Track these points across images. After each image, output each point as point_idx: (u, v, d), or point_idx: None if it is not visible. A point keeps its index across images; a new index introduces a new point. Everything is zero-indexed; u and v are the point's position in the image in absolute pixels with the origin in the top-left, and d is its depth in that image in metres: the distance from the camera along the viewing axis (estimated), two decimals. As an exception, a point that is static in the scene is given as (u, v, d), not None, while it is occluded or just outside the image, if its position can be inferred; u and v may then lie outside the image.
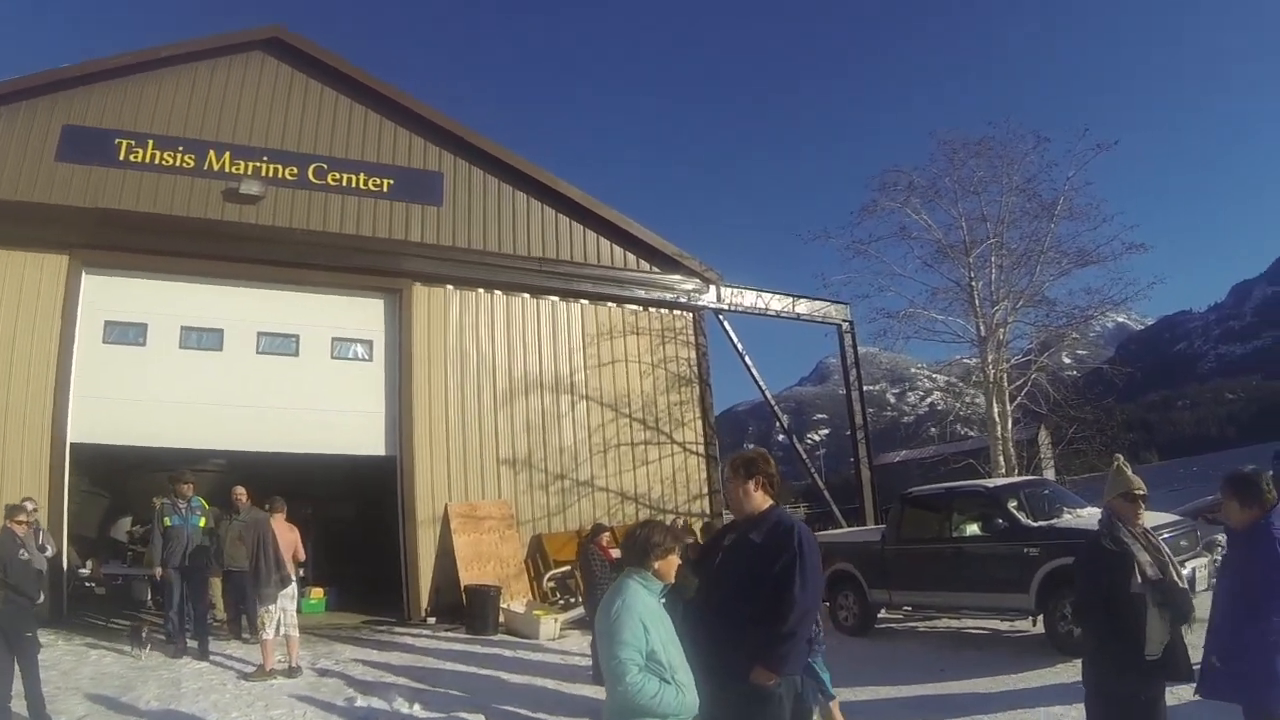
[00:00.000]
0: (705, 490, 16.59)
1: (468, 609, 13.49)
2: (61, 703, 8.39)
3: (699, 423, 16.72)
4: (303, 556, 11.54)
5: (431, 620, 14.05)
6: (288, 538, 10.89)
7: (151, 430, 14.00)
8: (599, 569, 10.68)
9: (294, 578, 10.70)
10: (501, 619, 13.40)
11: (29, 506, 10.21)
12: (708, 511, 16.46)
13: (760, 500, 4.46)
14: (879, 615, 12.85)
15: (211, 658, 10.69)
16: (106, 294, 14.35)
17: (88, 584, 14.54)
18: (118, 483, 16.72)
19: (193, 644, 10.96)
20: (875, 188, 17.47)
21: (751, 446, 5.51)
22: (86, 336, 14.03)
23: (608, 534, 11.81)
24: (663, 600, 3.93)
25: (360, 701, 8.96)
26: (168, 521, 11.08)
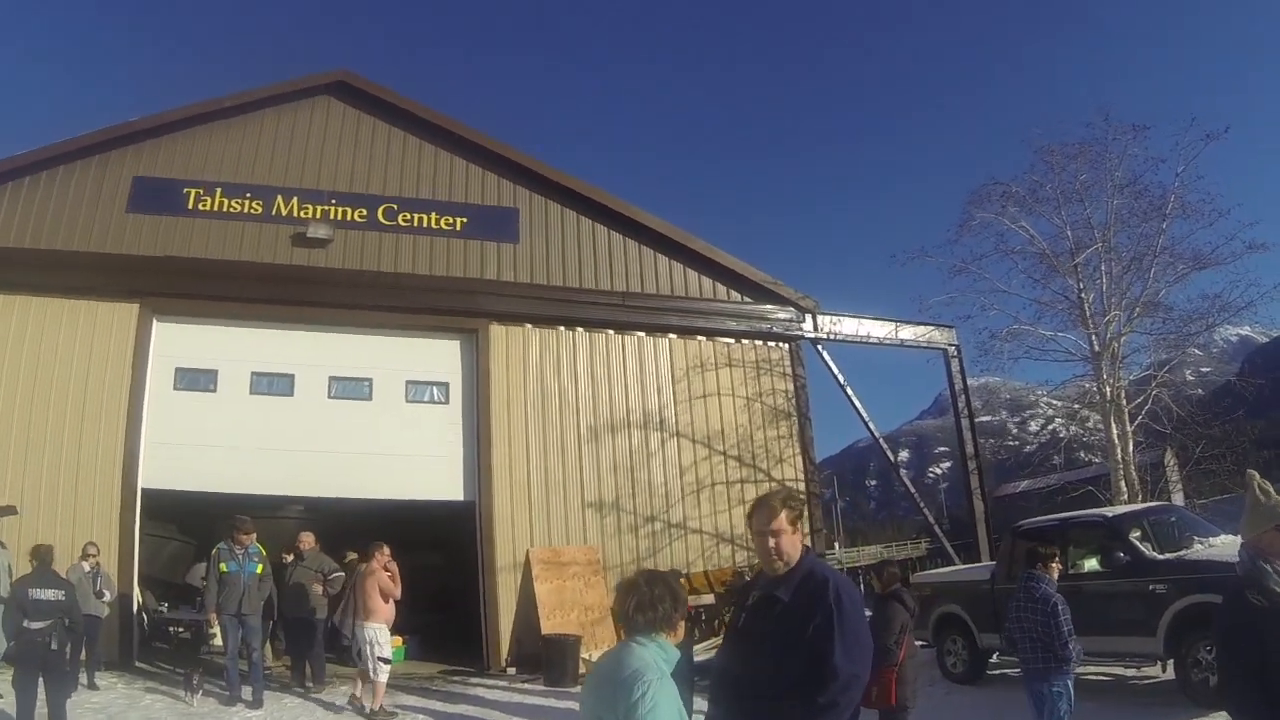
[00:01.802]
0: (807, 529, 15.17)
1: (545, 659, 12.64)
2: None
3: (799, 459, 15.42)
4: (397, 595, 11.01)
5: (511, 670, 13.25)
6: (385, 581, 10.71)
7: (223, 476, 13.70)
8: None
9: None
10: (582, 669, 12.35)
11: (92, 553, 11.37)
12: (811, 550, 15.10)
13: (799, 548, 3.61)
14: (991, 661, 11.50)
15: (266, 707, 10.30)
16: (177, 341, 14.25)
17: (172, 629, 14.23)
18: (201, 529, 16.06)
19: (247, 692, 10.51)
20: (971, 201, 16.20)
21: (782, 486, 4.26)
22: (157, 383, 13.91)
23: (682, 580, 11.06)
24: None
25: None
26: (224, 568, 10.60)
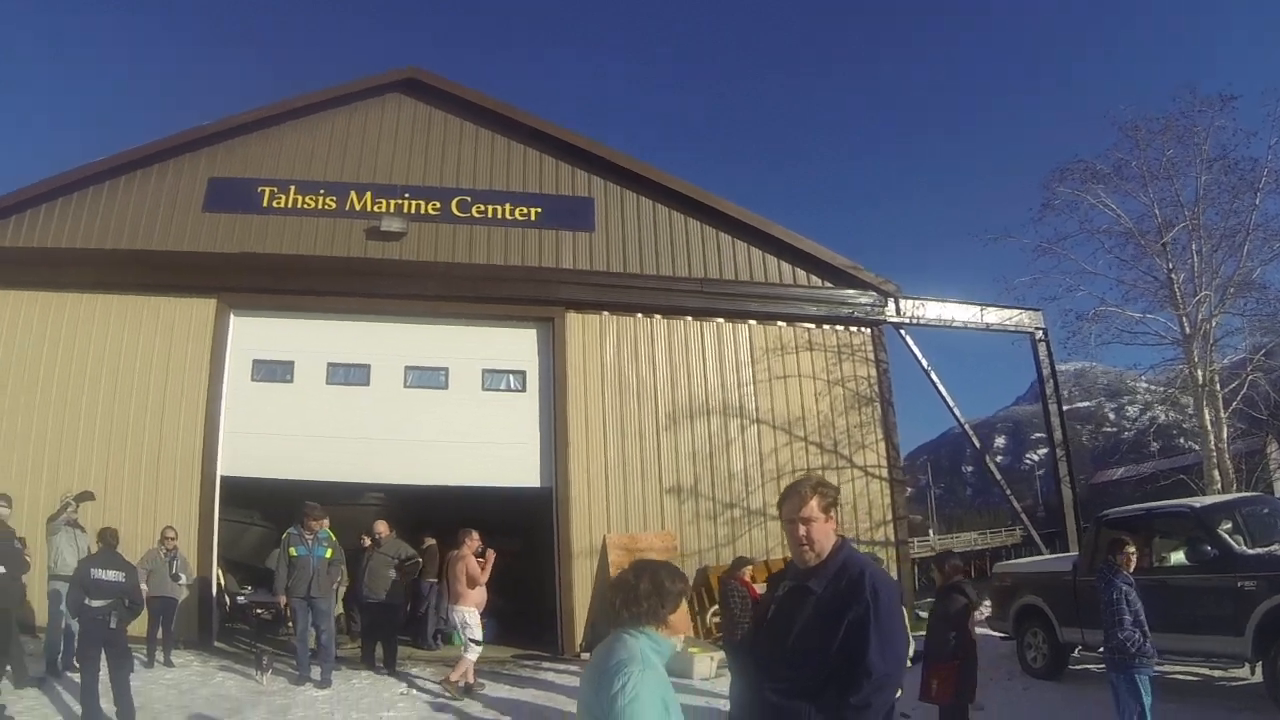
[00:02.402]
0: (889, 516, 14.79)
1: None
2: (163, 716, 8.74)
3: (881, 445, 14.96)
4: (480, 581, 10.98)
5: (585, 656, 12.94)
6: (473, 567, 10.79)
7: (300, 464, 13.86)
8: (738, 607, 10.19)
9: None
10: None
11: (170, 537, 12.03)
12: (892, 539, 14.70)
13: (832, 537, 3.45)
14: (1072, 656, 10.97)
15: (334, 687, 10.42)
16: (254, 334, 14.55)
17: (258, 612, 14.33)
18: (283, 515, 16.35)
19: (317, 672, 10.69)
20: (1054, 180, 15.66)
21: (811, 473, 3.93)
22: (235, 375, 14.26)
23: (750, 568, 11.14)
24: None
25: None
26: (294, 551, 10.81)
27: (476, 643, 10.60)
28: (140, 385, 14.07)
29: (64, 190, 15.02)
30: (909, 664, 6.85)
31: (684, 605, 3.14)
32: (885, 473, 14.94)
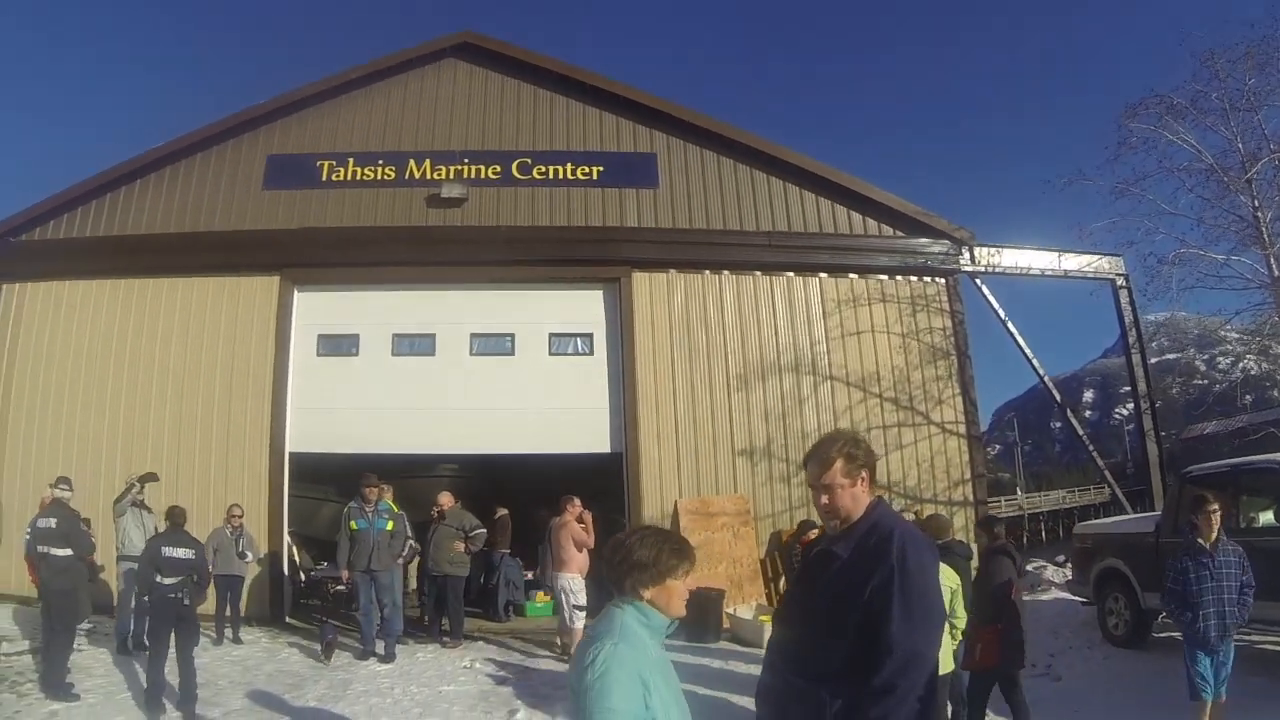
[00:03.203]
0: (968, 475, 14.06)
1: (688, 613, 11.75)
2: (225, 694, 8.80)
3: (959, 399, 14.21)
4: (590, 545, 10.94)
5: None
6: (578, 532, 10.85)
7: (369, 437, 13.83)
8: None
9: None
10: (726, 624, 11.91)
11: (236, 515, 12.19)
12: (970, 499, 13.99)
13: (863, 501, 3.05)
14: (1156, 623, 10.17)
15: (398, 661, 10.41)
16: (318, 309, 14.51)
17: (336, 587, 14.28)
18: (356, 490, 16.38)
19: (381, 646, 10.68)
20: (1128, 116, 14.83)
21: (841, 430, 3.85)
22: (301, 350, 14.27)
23: (815, 531, 10.41)
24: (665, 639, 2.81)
25: (521, 714, 8.32)
26: (354, 525, 10.74)
27: (580, 609, 10.54)
28: (207, 365, 14.14)
29: (128, 178, 15.26)
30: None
31: (678, 580, 2.78)
32: (963, 429, 14.24)
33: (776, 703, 3.06)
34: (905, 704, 2.73)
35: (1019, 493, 67.32)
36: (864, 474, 3.06)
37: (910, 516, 10.97)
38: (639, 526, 2.99)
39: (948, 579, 5.95)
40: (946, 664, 5.80)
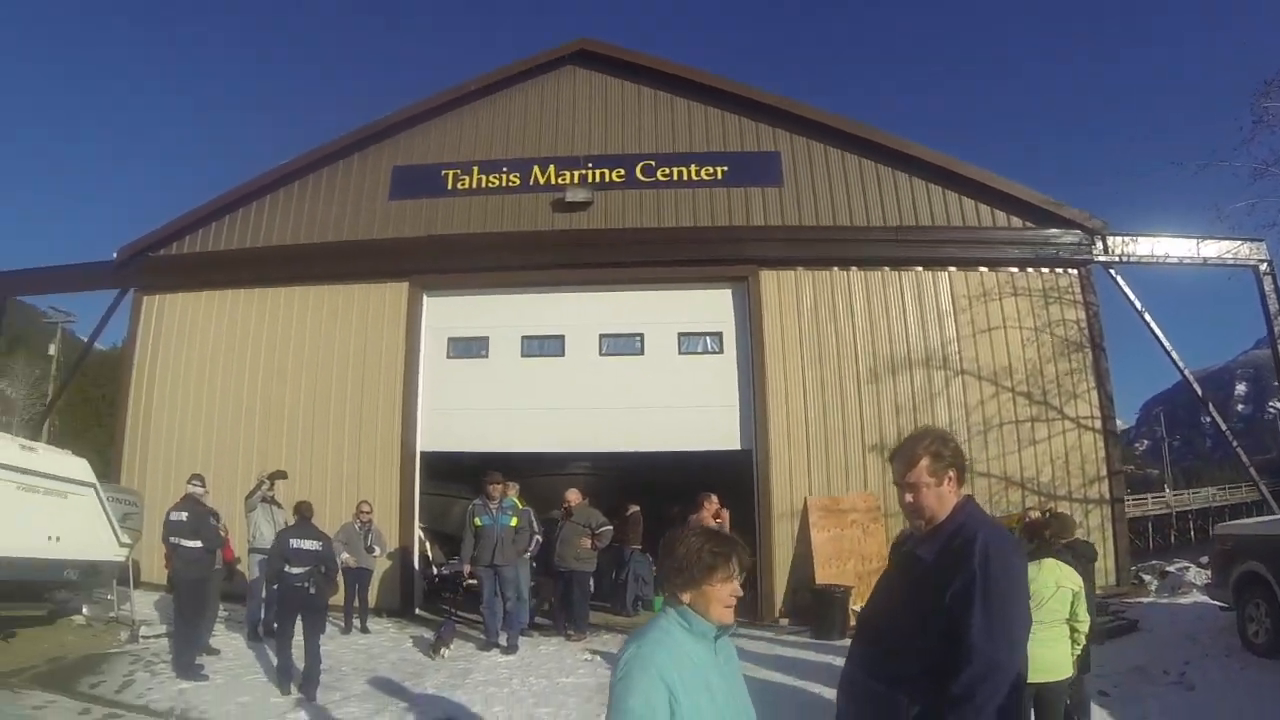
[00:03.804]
0: (1103, 471, 13.54)
1: (814, 610, 11.92)
2: (347, 680, 9.11)
3: (1094, 393, 13.69)
4: None
5: (784, 621, 12.67)
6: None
7: (499, 437, 14.08)
8: None
9: None
10: (852, 621, 11.53)
11: (365, 511, 12.53)
12: (1106, 496, 13.50)
13: (949, 502, 2.95)
14: None
15: (520, 653, 10.46)
16: (448, 313, 14.84)
17: (469, 581, 14.10)
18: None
19: (504, 638, 10.73)
20: (1262, 94, 14.09)
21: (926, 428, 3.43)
22: (431, 354, 14.65)
23: None
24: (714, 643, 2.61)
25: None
26: (478, 522, 10.83)
27: None
28: (340, 369, 14.51)
29: (258, 194, 15.87)
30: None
31: (722, 584, 2.58)
32: (1099, 423, 13.73)
33: (856, 700, 2.98)
34: (984, 712, 2.62)
35: (1166, 490, 64.19)
36: (951, 473, 2.97)
37: (1036, 514, 10.49)
38: (689, 528, 2.82)
39: (1069, 580, 5.72)
40: (1065, 669, 5.59)
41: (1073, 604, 5.64)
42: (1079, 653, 5.74)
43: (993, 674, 2.63)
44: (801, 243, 14.03)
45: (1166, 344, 14.02)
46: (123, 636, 10.67)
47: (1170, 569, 14.63)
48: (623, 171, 14.63)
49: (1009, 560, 2.81)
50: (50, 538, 9.58)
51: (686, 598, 2.58)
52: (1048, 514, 10.94)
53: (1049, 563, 5.79)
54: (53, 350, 35.63)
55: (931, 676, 2.69)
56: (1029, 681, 5.28)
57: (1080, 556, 7.28)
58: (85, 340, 25.40)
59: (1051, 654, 5.50)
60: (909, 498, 2.98)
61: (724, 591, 2.58)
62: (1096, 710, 7.47)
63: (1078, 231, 14.00)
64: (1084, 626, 5.68)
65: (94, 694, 8.52)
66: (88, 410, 34.13)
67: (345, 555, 12.02)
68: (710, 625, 2.57)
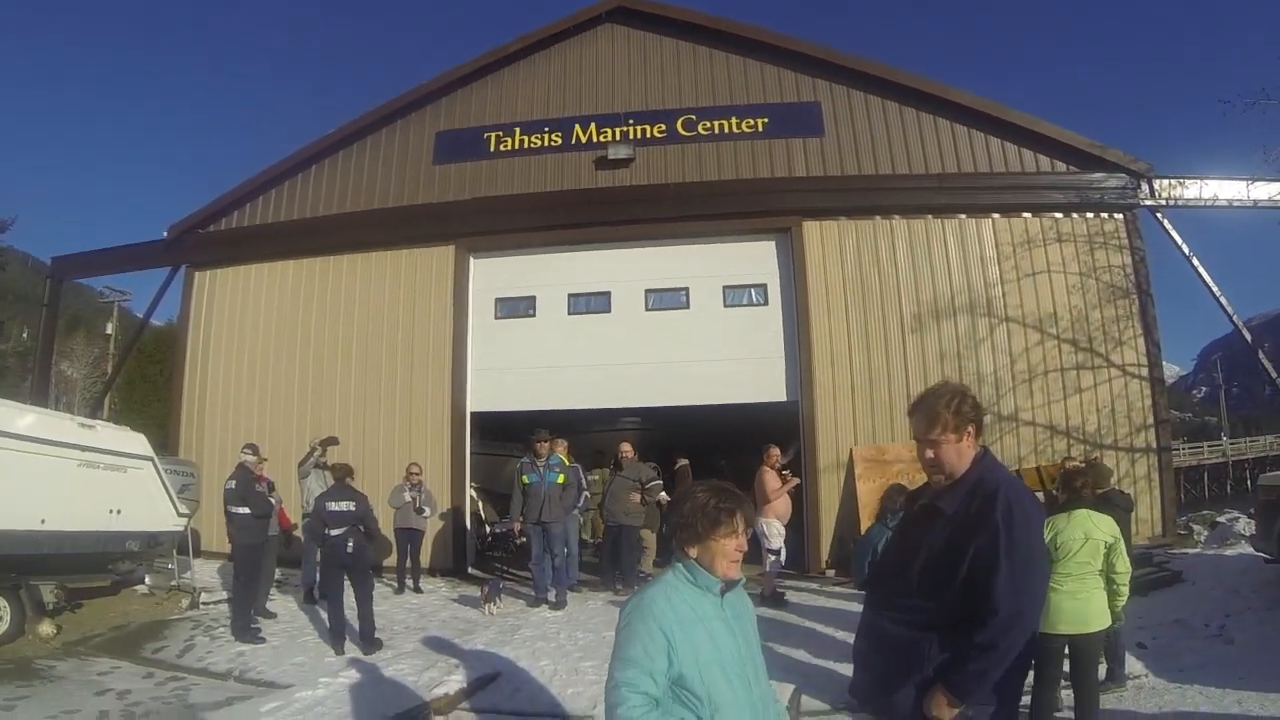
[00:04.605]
0: (1150, 420, 13.20)
1: (859, 558, 11.65)
2: (399, 637, 9.29)
3: (1140, 340, 13.32)
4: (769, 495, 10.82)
5: (830, 572, 12.58)
6: (769, 479, 10.77)
7: (548, 394, 14.11)
8: None
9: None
10: None
11: (414, 473, 12.52)
12: (1153, 445, 13.17)
13: (968, 456, 2.98)
14: None
15: (568, 609, 10.48)
16: (494, 273, 14.81)
17: (520, 539, 14.15)
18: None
19: (552, 594, 10.78)
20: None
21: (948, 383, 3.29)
22: (479, 315, 14.64)
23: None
24: (720, 596, 2.69)
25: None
26: (525, 480, 10.86)
27: (772, 552, 10.56)
28: (390, 333, 14.58)
29: (303, 165, 16.03)
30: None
31: (725, 540, 2.66)
32: (1146, 371, 13.39)
33: (877, 645, 3.02)
34: (1006, 660, 2.73)
35: (1224, 439, 62.79)
36: (970, 428, 2.98)
37: (1074, 464, 10.18)
38: (705, 482, 2.84)
39: (1102, 531, 5.57)
40: (1099, 621, 5.47)
41: (1108, 555, 5.51)
42: (1121, 604, 5.60)
43: (1016, 624, 2.71)
44: (844, 193, 13.79)
45: (1215, 289, 13.61)
46: (184, 604, 11.02)
47: (1221, 519, 14.27)
48: (664, 127, 14.44)
49: (1029, 514, 2.84)
50: (111, 511, 9.86)
51: (693, 552, 2.67)
52: (1093, 460, 10.70)
53: (1080, 514, 5.66)
54: (110, 329, 36.27)
55: (954, 624, 2.78)
56: (1061, 634, 5.32)
57: (1116, 507, 7.17)
58: (141, 317, 25.81)
59: (1082, 606, 5.41)
60: (930, 453, 3.00)
61: (729, 546, 2.65)
62: (1133, 661, 7.39)
63: (1123, 175, 13.60)
64: (1122, 578, 5.53)
65: (156, 658, 8.88)
66: (146, 386, 34.65)
67: (408, 496, 12.25)
68: (715, 579, 2.65)
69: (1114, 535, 5.57)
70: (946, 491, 2.96)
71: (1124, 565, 5.51)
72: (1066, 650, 5.52)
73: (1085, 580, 5.43)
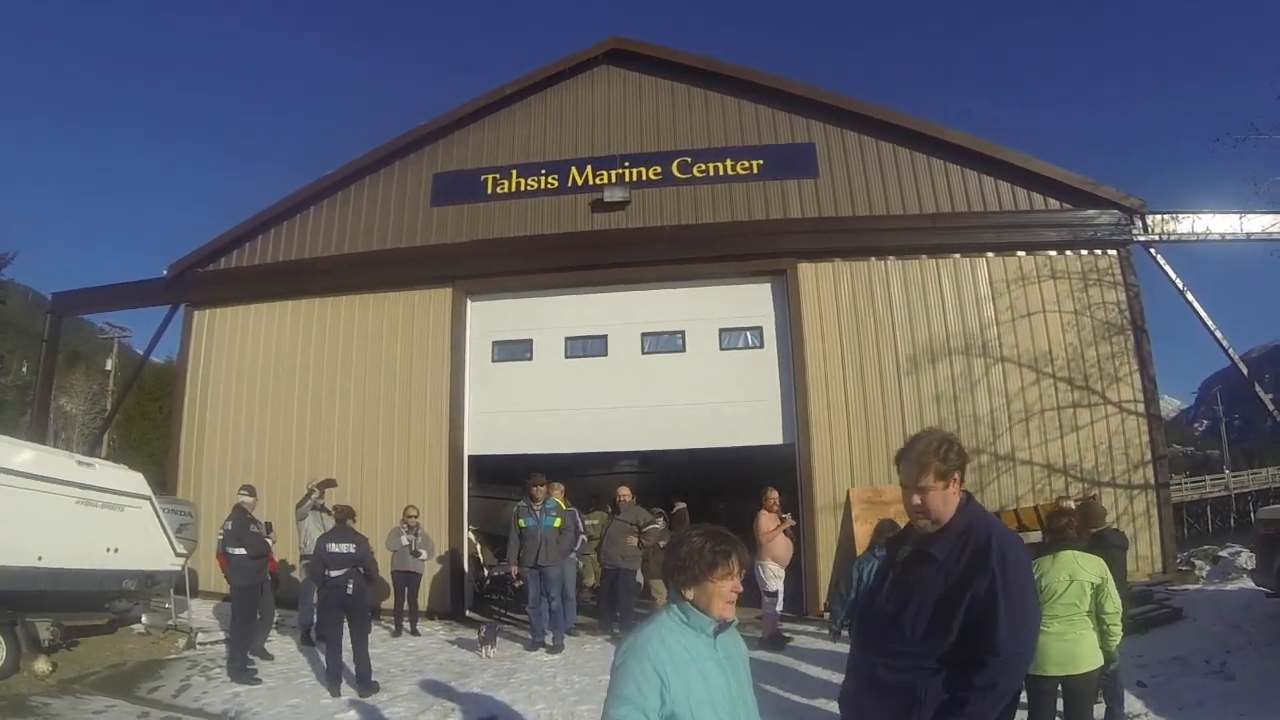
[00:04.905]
0: (1148, 456, 13.09)
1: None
2: (395, 680, 9.24)
3: (1136, 376, 13.23)
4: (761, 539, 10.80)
5: (828, 614, 12.11)
6: (762, 522, 10.79)
7: (545, 438, 14.02)
8: None
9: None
10: None
11: (411, 515, 12.43)
12: (1152, 481, 13.04)
13: (954, 502, 3.03)
14: None
15: (565, 652, 10.48)
16: (491, 316, 14.77)
17: (518, 583, 14.13)
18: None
19: (550, 638, 10.77)
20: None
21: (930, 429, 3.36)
22: (477, 358, 14.57)
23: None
24: (713, 637, 2.73)
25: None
26: (522, 523, 10.85)
27: (768, 594, 10.56)
28: (386, 375, 14.52)
29: (301, 206, 16.05)
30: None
31: (721, 582, 2.71)
32: (1142, 407, 13.28)
33: (869, 688, 3.01)
34: (1003, 701, 2.79)
35: (1226, 472, 62.41)
36: (956, 475, 3.02)
37: (1068, 503, 10.06)
38: (701, 525, 2.92)
39: (1092, 571, 5.50)
40: (1089, 661, 5.38)
41: (1095, 595, 5.42)
42: (1115, 644, 5.47)
43: (1015, 665, 2.79)
44: (838, 234, 13.78)
45: (1210, 323, 13.54)
46: (180, 643, 10.95)
47: (1223, 554, 14.13)
48: (659, 169, 14.47)
49: (1021, 559, 2.92)
50: (109, 549, 9.79)
51: (689, 594, 2.71)
52: (1087, 500, 10.56)
53: (1065, 555, 5.60)
54: (109, 365, 36.17)
55: (950, 667, 2.81)
56: (1051, 675, 5.24)
57: (1110, 545, 7.13)
58: (141, 354, 25.73)
59: (1070, 647, 5.33)
60: (917, 500, 3.02)
61: (725, 588, 2.69)
62: (1132, 700, 7.31)
63: (1116, 211, 13.56)
64: (1112, 618, 5.44)
65: (152, 698, 8.80)
66: (145, 424, 34.57)
67: (404, 539, 12.19)
68: (708, 620, 2.69)
69: (1100, 576, 5.49)
70: (936, 538, 2.98)
71: (1113, 606, 5.44)
72: (1061, 690, 5.44)
73: (1073, 621, 5.37)
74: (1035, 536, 12.12)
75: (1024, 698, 3.84)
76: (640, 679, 2.52)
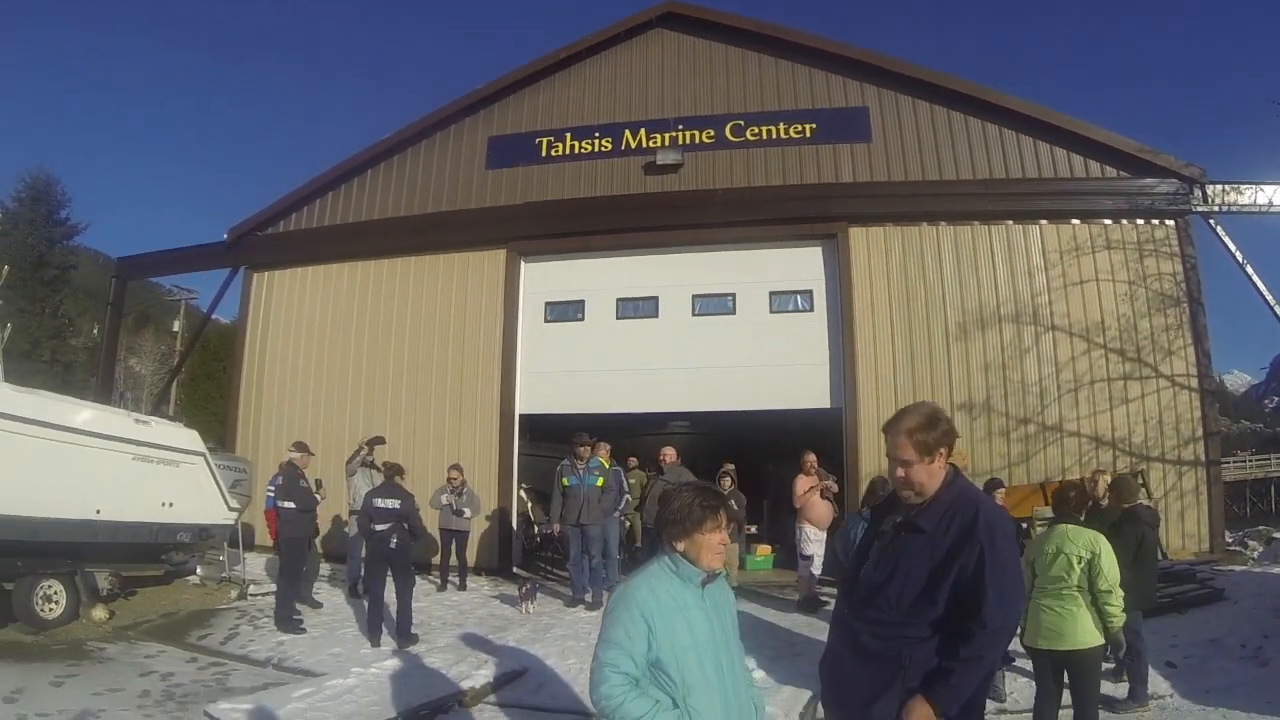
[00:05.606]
0: (1199, 432, 12.68)
1: None
2: (435, 633, 9.37)
3: (1190, 350, 12.78)
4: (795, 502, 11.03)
5: None
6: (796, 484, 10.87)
7: (596, 398, 14.02)
8: None
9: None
10: None
11: (453, 477, 12.21)
12: (1202, 458, 12.64)
13: (939, 476, 3.01)
14: None
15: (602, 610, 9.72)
16: (544, 278, 14.78)
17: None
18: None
19: (589, 595, 10.75)
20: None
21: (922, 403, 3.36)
22: (529, 318, 14.64)
23: (1002, 491, 9.82)
24: (701, 587, 2.81)
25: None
26: (565, 482, 10.85)
27: (803, 557, 10.59)
28: (441, 336, 14.64)
29: (358, 170, 16.16)
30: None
31: (709, 535, 2.81)
32: (1195, 382, 12.87)
33: (854, 654, 3.03)
34: (986, 669, 2.90)
35: None
36: (941, 450, 3.00)
37: (1105, 477, 9.72)
38: (686, 481, 3.16)
39: (1082, 546, 5.33)
40: (1088, 639, 5.25)
41: (1087, 571, 5.27)
42: (1115, 624, 5.28)
43: (1000, 636, 2.86)
44: (890, 199, 13.55)
45: (1269, 297, 13.05)
46: (232, 594, 11.26)
47: (1277, 535, 13.64)
48: (712, 132, 14.32)
49: (1008, 532, 2.96)
50: (164, 504, 10.08)
51: (680, 546, 2.82)
52: (1121, 475, 10.19)
53: (1059, 529, 5.53)
54: (177, 326, 36.88)
55: (936, 637, 2.85)
56: (1042, 647, 5.29)
57: (1141, 521, 6.96)
58: (204, 314, 26.19)
59: (1061, 621, 5.27)
60: (901, 473, 3.03)
61: (713, 540, 2.82)
62: (1159, 681, 7.14)
63: (1174, 180, 13.10)
64: (1107, 597, 5.25)
65: (201, 645, 9.13)
66: (210, 384, 35.26)
67: (444, 499, 12.19)
68: (697, 571, 2.80)
69: (1091, 551, 5.32)
70: (923, 510, 3.00)
71: (1105, 583, 5.25)
72: (1065, 666, 5.36)
73: (1062, 596, 5.28)
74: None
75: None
76: (628, 624, 2.66)
